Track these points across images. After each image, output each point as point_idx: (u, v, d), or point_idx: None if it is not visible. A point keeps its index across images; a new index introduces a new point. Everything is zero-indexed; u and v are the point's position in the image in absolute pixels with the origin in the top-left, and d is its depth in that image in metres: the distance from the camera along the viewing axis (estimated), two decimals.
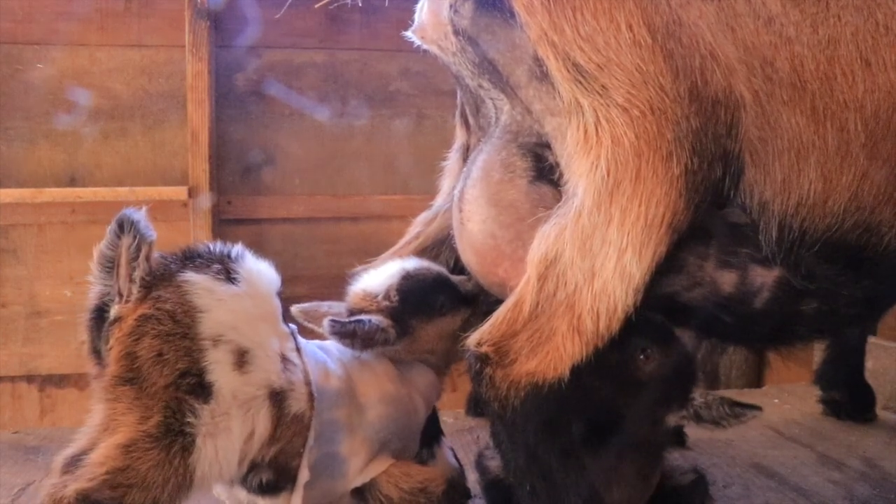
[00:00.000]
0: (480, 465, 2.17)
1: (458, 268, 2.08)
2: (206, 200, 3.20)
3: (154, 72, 3.28)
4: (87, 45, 3.22)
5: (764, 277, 1.74)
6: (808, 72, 1.62)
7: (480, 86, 1.83)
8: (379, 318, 1.91)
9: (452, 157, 2.18)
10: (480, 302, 2.00)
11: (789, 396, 3.07)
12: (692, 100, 1.55)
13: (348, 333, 1.88)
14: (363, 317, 1.91)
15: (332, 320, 1.89)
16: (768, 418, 2.92)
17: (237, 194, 3.33)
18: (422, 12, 1.81)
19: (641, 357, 1.79)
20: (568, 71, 1.58)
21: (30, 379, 3.23)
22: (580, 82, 1.58)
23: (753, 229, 1.69)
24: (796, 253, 1.69)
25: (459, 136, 2.13)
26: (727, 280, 1.75)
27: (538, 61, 1.64)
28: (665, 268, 1.63)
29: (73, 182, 3.24)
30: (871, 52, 1.63)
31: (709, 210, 1.65)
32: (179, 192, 3.20)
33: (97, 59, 3.24)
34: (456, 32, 1.72)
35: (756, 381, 3.65)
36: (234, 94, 3.36)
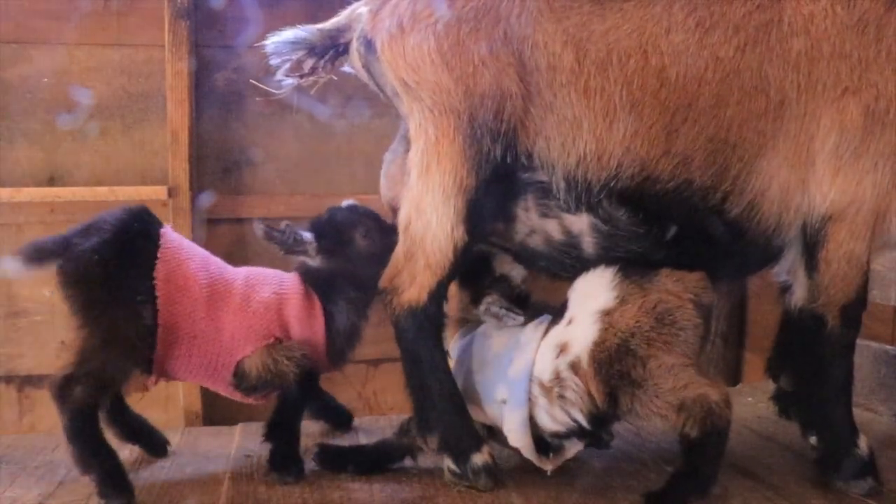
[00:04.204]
0: None
1: None
2: (186, 200, 3.20)
3: (134, 71, 3.28)
4: (66, 43, 3.21)
5: (579, 224, 2.22)
6: (588, 59, 2.10)
7: (387, 98, 2.38)
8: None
9: None
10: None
11: (763, 395, 3.08)
12: (466, 97, 2.12)
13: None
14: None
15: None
16: (743, 417, 2.93)
17: (217, 194, 3.32)
18: (351, 50, 2.36)
19: None
20: (402, 87, 2.20)
21: (8, 380, 3.22)
22: (409, 94, 2.19)
23: (550, 184, 2.19)
24: (587, 201, 2.17)
25: None
26: (552, 227, 2.26)
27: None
28: (490, 214, 2.23)
29: (51, 181, 3.23)
30: (650, 43, 2.10)
31: (516, 173, 2.19)
32: (159, 192, 3.20)
33: (76, 58, 3.23)
34: (362, 65, 2.31)
35: (734, 379, 3.70)
36: (215, 93, 3.36)
